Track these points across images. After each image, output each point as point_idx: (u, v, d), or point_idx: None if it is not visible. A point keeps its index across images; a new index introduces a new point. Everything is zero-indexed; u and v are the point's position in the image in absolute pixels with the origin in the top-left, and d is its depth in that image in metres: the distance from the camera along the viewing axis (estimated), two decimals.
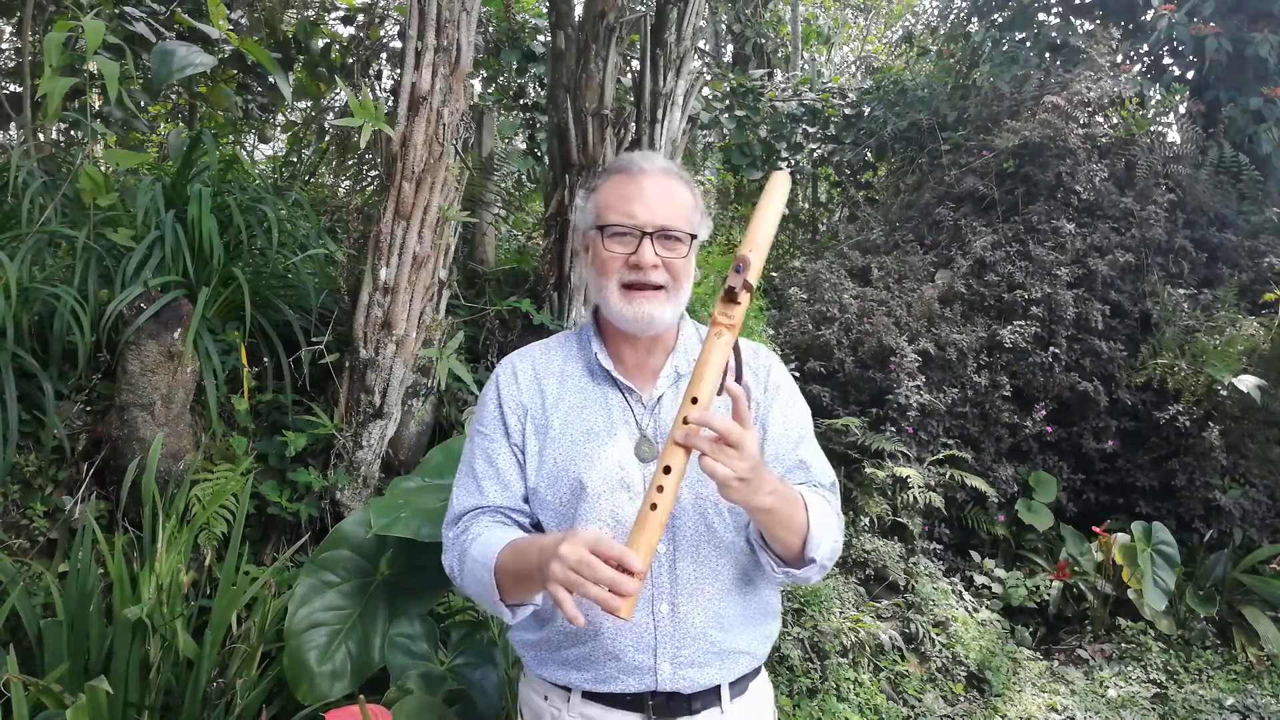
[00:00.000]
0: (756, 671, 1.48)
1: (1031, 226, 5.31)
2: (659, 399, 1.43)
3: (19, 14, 3.96)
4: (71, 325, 2.72)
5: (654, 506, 1.14)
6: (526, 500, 1.44)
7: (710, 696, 1.40)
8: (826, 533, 1.34)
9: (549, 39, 4.63)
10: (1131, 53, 6.94)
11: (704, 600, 1.38)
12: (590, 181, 1.50)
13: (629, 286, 1.38)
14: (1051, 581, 4.55)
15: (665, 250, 1.38)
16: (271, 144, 6.03)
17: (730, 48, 9.21)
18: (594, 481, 1.37)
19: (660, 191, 1.40)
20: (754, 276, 1.23)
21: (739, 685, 1.44)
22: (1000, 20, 7.43)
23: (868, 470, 4.41)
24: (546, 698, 1.44)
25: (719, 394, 1.21)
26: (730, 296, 1.20)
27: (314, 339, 3.12)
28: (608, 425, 1.41)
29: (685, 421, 1.14)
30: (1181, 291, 5.11)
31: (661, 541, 1.35)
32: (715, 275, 4.74)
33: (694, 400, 1.16)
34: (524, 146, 6.09)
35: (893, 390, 4.68)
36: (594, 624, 1.35)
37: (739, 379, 1.25)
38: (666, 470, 1.14)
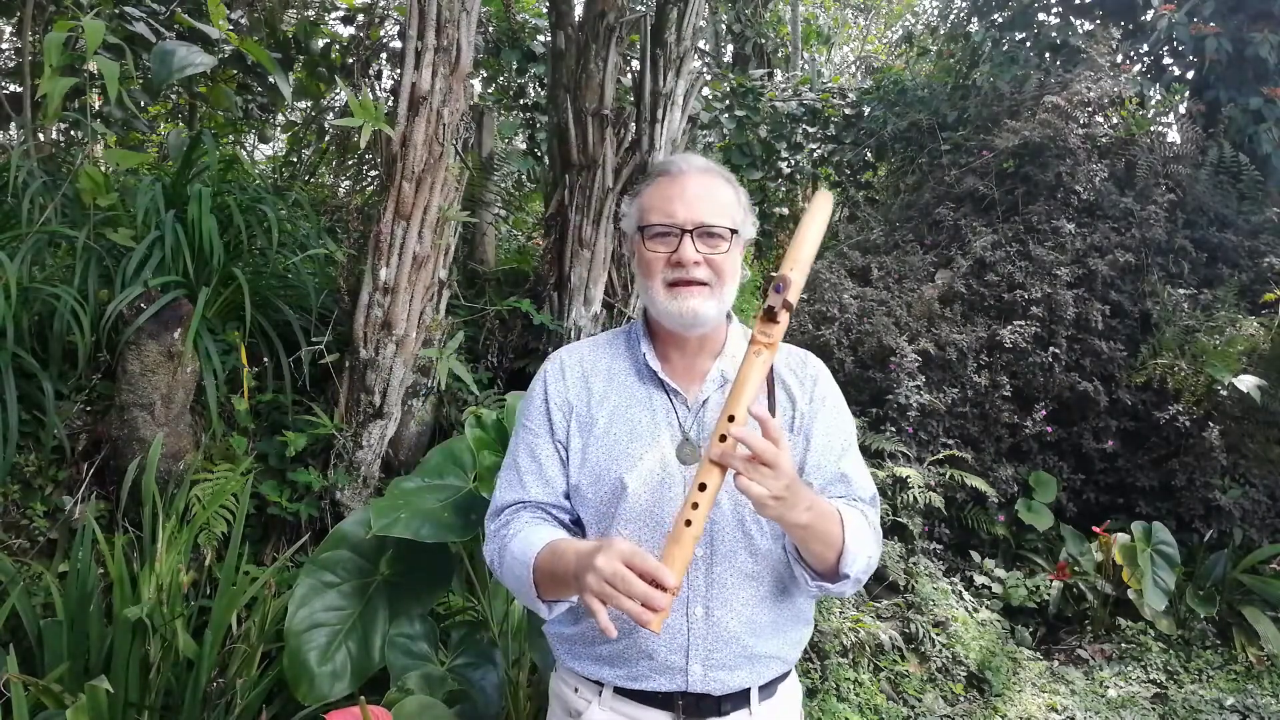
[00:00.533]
0: (786, 674, 1.50)
1: (1031, 226, 5.31)
2: (704, 402, 1.44)
3: (19, 14, 3.96)
4: (71, 325, 2.72)
5: (689, 523, 1.15)
6: (568, 496, 1.45)
7: (739, 699, 1.41)
8: (862, 548, 1.35)
9: (549, 39, 4.63)
10: (1131, 53, 6.93)
11: (738, 605, 1.39)
12: (633, 188, 1.51)
13: (674, 284, 1.39)
14: (1051, 581, 4.55)
15: (706, 247, 1.39)
16: (271, 144, 6.02)
17: (730, 48, 9.21)
18: (635, 482, 1.38)
19: (700, 190, 1.42)
20: (794, 295, 1.24)
21: (768, 689, 1.45)
22: (1000, 20, 7.43)
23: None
24: (577, 690, 1.46)
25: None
26: (770, 315, 1.21)
27: (314, 339, 3.12)
28: (651, 426, 1.42)
29: (722, 439, 1.15)
30: (1181, 291, 5.10)
31: (700, 545, 1.36)
32: None
33: (730, 418, 1.17)
34: (524, 146, 6.09)
35: (893, 390, 4.68)
36: (629, 622, 1.34)
37: (771, 395, 1.26)
38: (702, 488, 1.15)
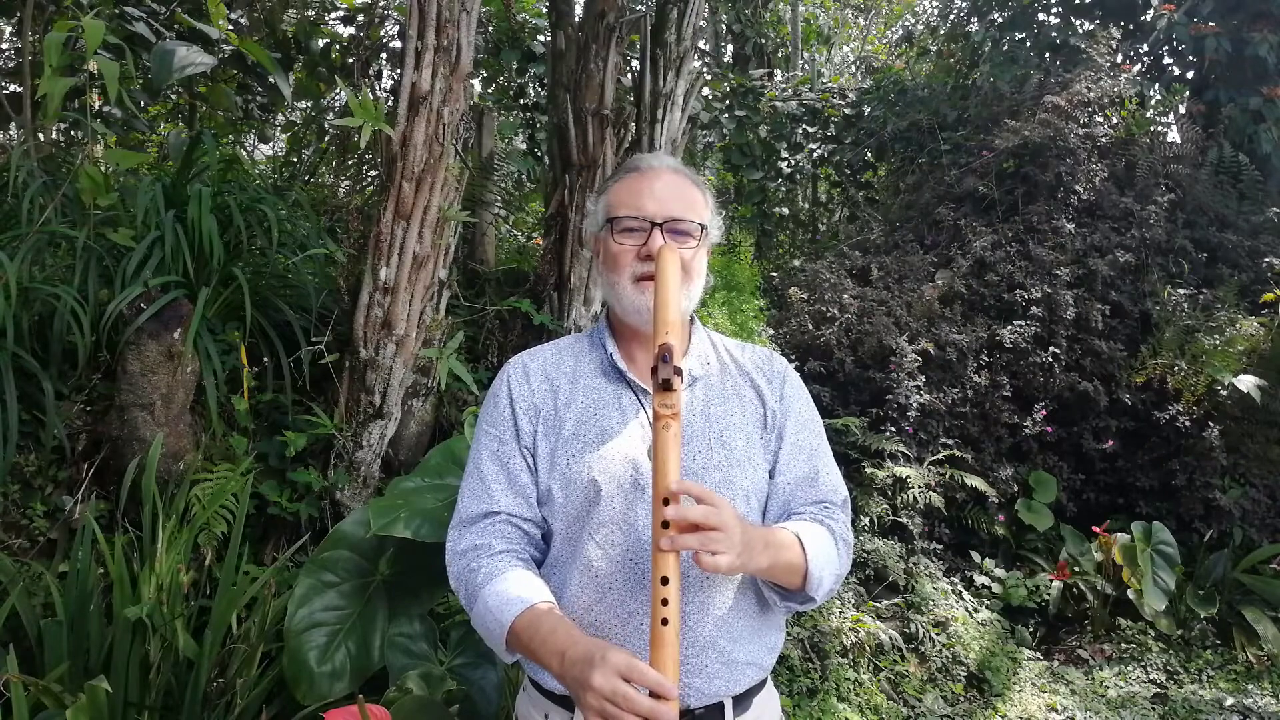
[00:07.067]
0: (762, 684, 1.45)
1: (1031, 226, 5.31)
2: None
3: (19, 14, 3.96)
4: (71, 325, 2.72)
5: (665, 621, 1.12)
6: (540, 503, 1.41)
7: (714, 714, 1.37)
8: (827, 569, 1.35)
9: (549, 39, 4.63)
10: (1131, 53, 6.94)
11: (713, 609, 1.36)
12: (600, 186, 1.50)
13: (642, 279, 1.38)
14: (1051, 581, 4.55)
15: (675, 242, 1.39)
16: (271, 144, 6.02)
17: (730, 48, 9.21)
18: (608, 483, 1.35)
19: (670, 187, 1.42)
20: (679, 358, 1.22)
21: (743, 702, 1.40)
22: (1000, 20, 7.43)
23: (868, 470, 4.41)
24: (546, 716, 1.40)
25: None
26: (666, 386, 1.19)
27: (314, 339, 3.12)
28: (621, 425, 1.39)
29: (665, 526, 1.13)
30: (1181, 291, 5.11)
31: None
32: (715, 275, 4.74)
33: (665, 502, 1.15)
34: (524, 146, 6.09)
35: (893, 390, 4.68)
36: (603, 630, 1.32)
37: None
38: (664, 581, 1.13)
